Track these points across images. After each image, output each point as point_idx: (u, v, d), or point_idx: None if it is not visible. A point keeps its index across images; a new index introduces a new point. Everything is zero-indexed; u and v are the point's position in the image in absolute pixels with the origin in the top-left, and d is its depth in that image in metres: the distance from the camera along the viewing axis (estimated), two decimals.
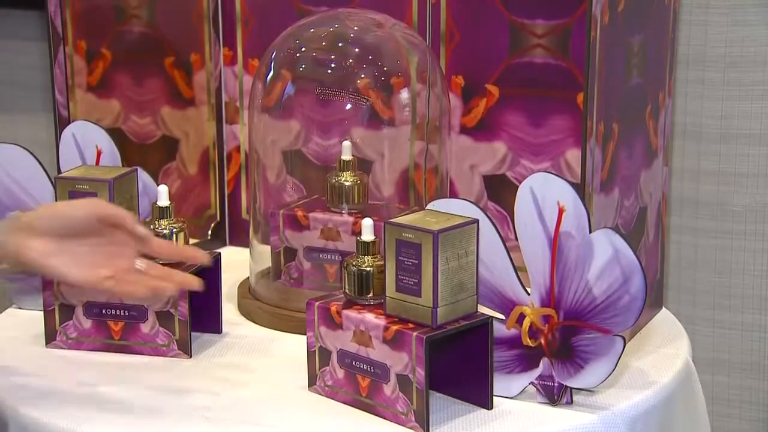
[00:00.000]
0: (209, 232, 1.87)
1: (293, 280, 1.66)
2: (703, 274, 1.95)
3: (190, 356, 1.53)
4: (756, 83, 1.86)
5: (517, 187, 1.40)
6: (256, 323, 1.63)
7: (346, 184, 1.63)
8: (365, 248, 1.41)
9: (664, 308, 1.69)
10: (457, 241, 1.34)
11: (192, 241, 1.63)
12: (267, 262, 1.68)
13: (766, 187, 1.89)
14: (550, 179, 1.38)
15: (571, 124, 1.65)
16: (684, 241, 1.94)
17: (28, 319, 1.63)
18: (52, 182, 1.58)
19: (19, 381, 1.47)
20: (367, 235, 1.41)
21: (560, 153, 1.68)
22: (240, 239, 1.84)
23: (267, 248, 1.67)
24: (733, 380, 1.94)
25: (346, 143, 1.63)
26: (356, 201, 1.63)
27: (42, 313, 1.56)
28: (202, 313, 1.57)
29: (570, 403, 1.39)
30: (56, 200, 1.54)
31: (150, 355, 1.54)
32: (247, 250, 1.72)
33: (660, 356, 1.53)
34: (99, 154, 1.66)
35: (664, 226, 1.69)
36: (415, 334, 1.33)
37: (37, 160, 1.63)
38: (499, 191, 1.72)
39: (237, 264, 1.72)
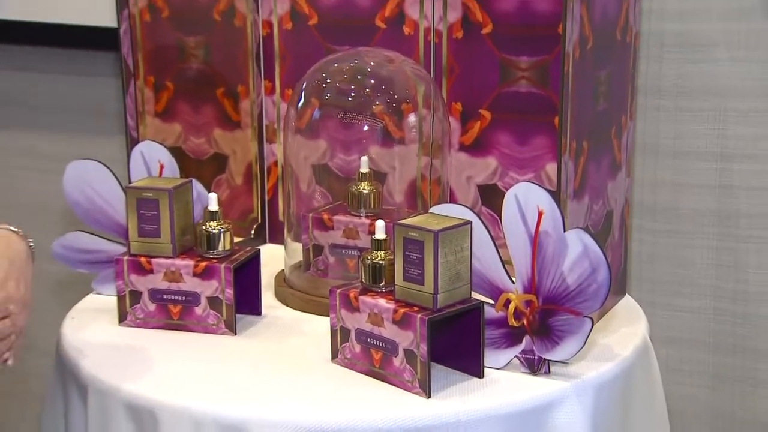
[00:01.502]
0: (252, 232, 1.86)
1: (320, 272, 1.64)
2: (660, 267, 1.94)
3: (235, 334, 1.53)
4: (702, 110, 1.85)
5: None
6: (289, 307, 1.62)
7: (364, 192, 1.62)
8: (378, 245, 1.41)
9: (627, 295, 1.68)
10: (454, 239, 1.34)
11: (237, 239, 1.62)
12: (299, 257, 1.66)
13: (710, 195, 1.88)
14: (531, 187, 1.37)
15: (549, 143, 1.64)
16: (644, 239, 1.93)
17: (105, 302, 1.62)
18: (123, 191, 1.57)
19: (97, 353, 1.48)
20: (380, 234, 1.41)
21: (541, 166, 1.67)
22: (277, 238, 1.82)
23: (299, 245, 1.66)
24: (684, 354, 1.93)
25: (364, 158, 1.62)
26: (372, 206, 1.62)
27: (116, 297, 1.56)
28: (245, 299, 1.57)
29: (548, 372, 1.39)
30: (126, 205, 1.53)
31: (202, 332, 1.53)
32: (282, 247, 1.70)
33: (622, 335, 1.52)
34: (161, 168, 1.66)
35: (627, 227, 1.68)
36: (419, 316, 1.33)
37: (112, 173, 1.63)
38: (491, 198, 1.70)
39: (274, 258, 1.71)
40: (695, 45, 1.83)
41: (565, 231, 1.34)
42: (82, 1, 2.15)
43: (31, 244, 1.43)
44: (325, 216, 1.63)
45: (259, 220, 1.86)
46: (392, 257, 1.38)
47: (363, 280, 1.41)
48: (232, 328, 1.52)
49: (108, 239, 1.64)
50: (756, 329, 1.88)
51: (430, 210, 1.43)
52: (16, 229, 1.43)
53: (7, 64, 2.20)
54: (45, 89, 2.27)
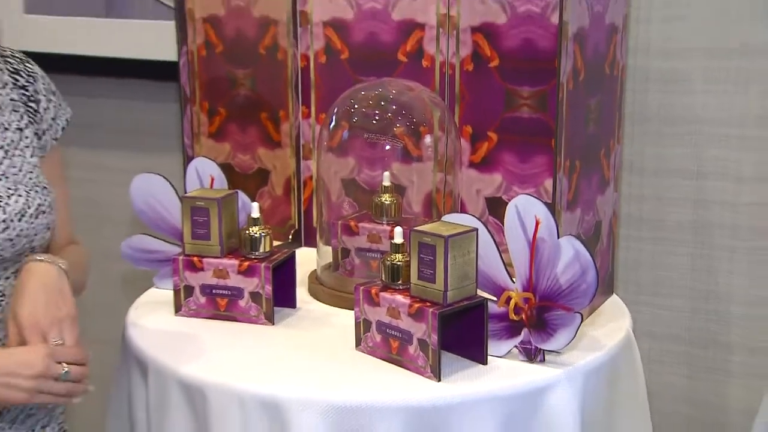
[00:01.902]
0: (290, 237, 1.85)
1: (347, 271, 1.64)
2: (644, 271, 1.92)
3: (273, 324, 1.52)
4: (683, 134, 1.84)
5: None
6: (320, 301, 1.61)
7: (386, 202, 1.61)
8: (397, 248, 1.40)
9: (614, 294, 1.67)
10: (462, 243, 1.33)
11: (277, 242, 1.62)
12: (329, 258, 1.66)
13: (690, 208, 1.86)
14: (530, 200, 1.36)
15: (547, 161, 1.63)
16: (631, 246, 1.91)
17: (164, 295, 1.61)
18: (180, 200, 1.57)
19: (157, 338, 1.48)
20: (398, 239, 1.40)
21: (540, 182, 1.66)
22: (311, 242, 1.81)
23: (329, 248, 1.66)
24: (664, 347, 1.92)
25: (386, 173, 1.61)
26: (393, 215, 1.61)
27: (172, 291, 1.56)
28: (282, 294, 1.56)
29: (543, 360, 1.38)
30: (182, 212, 1.53)
31: (245, 322, 1.53)
32: (315, 250, 1.70)
33: (609, 329, 1.51)
34: (212, 180, 1.66)
35: (614, 236, 1.67)
36: (431, 310, 1.32)
37: (171, 184, 1.63)
38: (497, 209, 1.69)
39: (308, 259, 1.70)
40: (676, 80, 1.82)
41: (559, 238, 1.33)
42: (148, 39, 2.16)
43: (61, 265, 1.41)
44: (352, 223, 1.62)
45: (296, 227, 1.85)
46: (408, 259, 1.37)
47: (383, 279, 1.40)
48: (270, 319, 1.51)
49: (167, 241, 1.64)
50: (727, 326, 1.87)
51: (442, 218, 1.42)
52: (41, 258, 1.41)
53: (85, 92, 2.21)
54: (116, 114, 2.28)
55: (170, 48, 2.01)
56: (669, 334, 1.91)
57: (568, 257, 1.32)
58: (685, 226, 1.87)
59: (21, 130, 1.47)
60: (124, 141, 2.28)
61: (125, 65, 2.20)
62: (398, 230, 1.40)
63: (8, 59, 1.50)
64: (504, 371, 1.35)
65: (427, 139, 1.63)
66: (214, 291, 1.53)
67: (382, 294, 1.38)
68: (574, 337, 1.33)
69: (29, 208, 1.42)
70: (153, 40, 2.15)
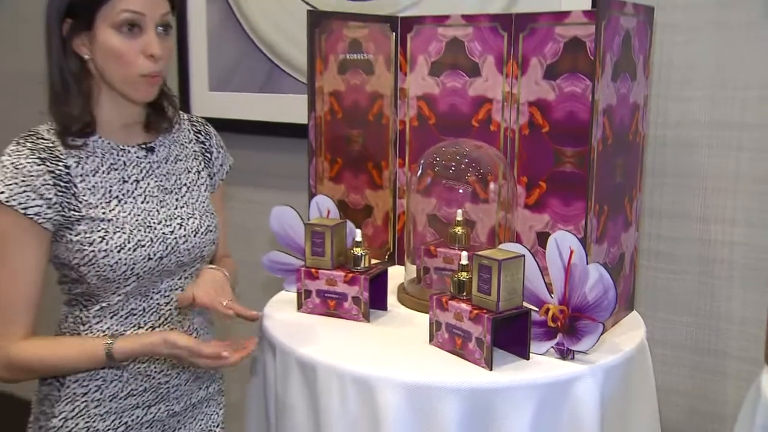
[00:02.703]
0: (386, 257, 1.87)
1: (427, 284, 1.64)
2: (660, 293, 1.87)
3: (369, 321, 1.53)
4: (694, 188, 1.79)
5: None
6: (405, 306, 1.62)
7: (459, 233, 1.61)
8: (463, 267, 1.40)
9: (634, 311, 1.62)
10: (512, 265, 1.33)
11: (375, 260, 1.63)
12: (413, 274, 1.66)
13: (695, 246, 1.81)
14: (566, 235, 1.34)
15: (583, 206, 1.61)
16: (649, 274, 1.87)
17: (290, 297, 1.64)
18: (304, 226, 1.59)
19: (283, 327, 1.50)
20: (464, 261, 1.40)
21: (579, 221, 1.64)
22: (402, 261, 1.82)
23: (414, 266, 1.66)
24: (674, 353, 1.86)
25: (460, 211, 1.62)
26: (464, 243, 1.61)
27: (296, 294, 1.59)
28: (377, 299, 1.57)
29: (573, 359, 1.36)
30: (305, 235, 1.55)
31: (348, 319, 1.54)
32: (403, 267, 1.70)
33: (627, 336, 1.47)
34: (328, 212, 1.68)
35: (635, 265, 1.63)
36: (486, 316, 1.32)
37: (299, 214, 1.66)
38: (545, 241, 1.65)
39: (399, 274, 1.72)
40: (686, 145, 1.78)
41: (587, 264, 1.32)
42: (288, 108, 2.21)
43: (225, 272, 1.49)
44: (432, 248, 1.62)
45: (391, 249, 1.86)
46: (471, 276, 1.37)
47: (452, 291, 1.40)
48: (367, 318, 1.52)
49: (294, 256, 1.66)
50: (725, 339, 1.80)
51: (499, 246, 1.41)
52: (212, 267, 1.49)
53: (243, 146, 2.27)
54: (263, 162, 2.33)
55: (303, 114, 2.06)
56: (678, 344, 1.85)
57: (594, 279, 1.30)
58: (693, 260, 1.81)
59: (199, 172, 1.53)
60: (268, 182, 2.33)
61: (271, 126, 2.26)
62: (464, 254, 1.40)
63: (194, 123, 1.58)
64: (542, 365, 1.33)
65: (492, 186, 1.63)
66: (326, 295, 1.55)
67: (450, 302, 1.38)
68: (597, 342, 1.31)
69: (201, 227, 1.48)
70: (291, 108, 2.20)
